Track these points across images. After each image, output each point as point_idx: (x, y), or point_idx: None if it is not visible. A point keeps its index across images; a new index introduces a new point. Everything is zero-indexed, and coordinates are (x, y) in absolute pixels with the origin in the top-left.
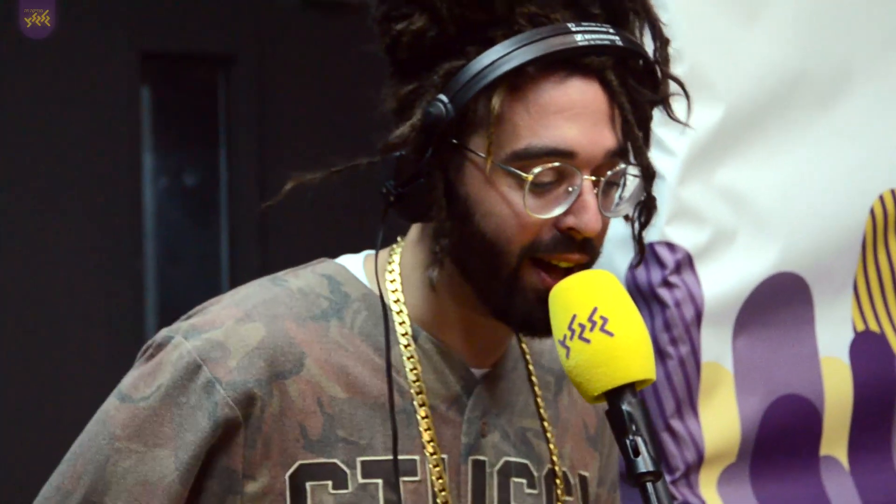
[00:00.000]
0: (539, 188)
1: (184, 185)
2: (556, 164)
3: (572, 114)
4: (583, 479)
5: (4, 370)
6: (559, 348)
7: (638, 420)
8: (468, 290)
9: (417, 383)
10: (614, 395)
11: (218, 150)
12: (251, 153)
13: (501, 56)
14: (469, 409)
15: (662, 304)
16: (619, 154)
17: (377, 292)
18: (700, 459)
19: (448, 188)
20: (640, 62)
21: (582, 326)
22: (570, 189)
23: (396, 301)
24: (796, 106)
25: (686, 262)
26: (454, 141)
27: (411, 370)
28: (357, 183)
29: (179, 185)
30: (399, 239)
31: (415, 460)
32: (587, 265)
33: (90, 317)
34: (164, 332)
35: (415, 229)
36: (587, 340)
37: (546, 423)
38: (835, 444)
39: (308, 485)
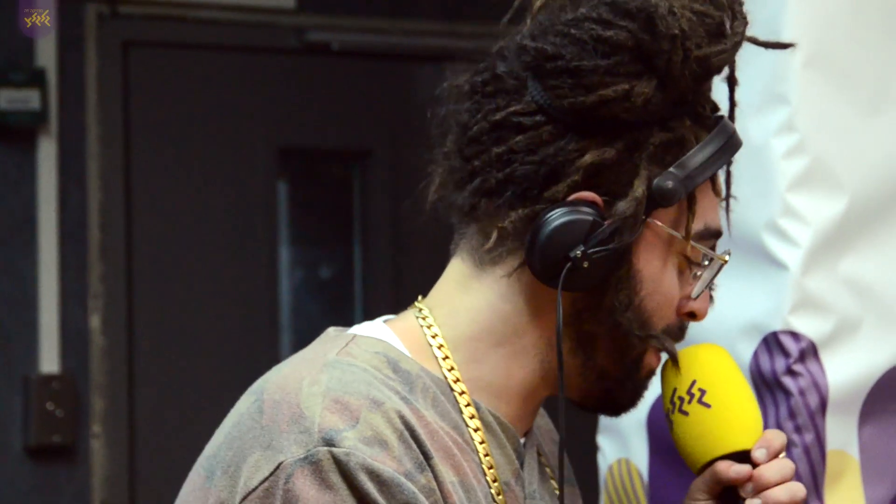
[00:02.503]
0: (697, 273)
1: (319, 277)
2: (713, 251)
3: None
4: None
5: (154, 457)
6: (667, 422)
7: None
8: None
9: (488, 458)
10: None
11: (352, 243)
12: (385, 246)
13: (721, 147)
14: (527, 483)
15: (787, 393)
16: None
17: (425, 366)
18: None
19: (627, 261)
20: None
21: (681, 399)
22: (711, 274)
23: (453, 374)
24: None
25: (810, 351)
26: (646, 218)
27: (480, 443)
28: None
29: (315, 277)
30: (416, 304)
31: None
32: None
33: (229, 404)
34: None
35: (455, 290)
36: (686, 413)
37: (551, 478)
38: None
39: None
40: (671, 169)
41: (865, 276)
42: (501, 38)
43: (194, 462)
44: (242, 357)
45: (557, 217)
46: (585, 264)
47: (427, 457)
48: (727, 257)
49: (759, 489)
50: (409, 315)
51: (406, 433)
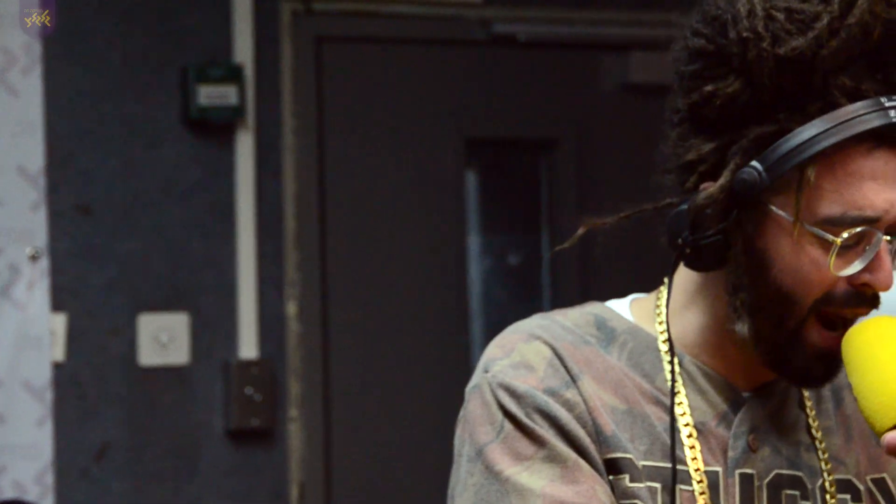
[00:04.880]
0: (843, 248)
1: (507, 264)
2: (861, 228)
3: (879, 182)
4: (880, 482)
5: (349, 440)
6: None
7: None
8: (749, 336)
9: (681, 405)
10: None
11: (540, 231)
12: (572, 233)
13: (821, 132)
14: (736, 426)
15: None
16: None
17: (642, 326)
18: None
19: (747, 242)
20: None
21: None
22: (867, 248)
23: (662, 332)
24: None
25: None
26: (758, 201)
27: (677, 400)
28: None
29: (503, 265)
30: (662, 287)
31: (686, 472)
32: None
33: (421, 388)
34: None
35: (685, 276)
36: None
37: (817, 435)
38: None
39: (609, 478)
40: (754, 161)
41: None
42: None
43: (388, 444)
44: (433, 342)
45: (673, 210)
46: (688, 250)
47: (574, 378)
48: (840, 239)
49: None
50: (652, 294)
51: (555, 359)
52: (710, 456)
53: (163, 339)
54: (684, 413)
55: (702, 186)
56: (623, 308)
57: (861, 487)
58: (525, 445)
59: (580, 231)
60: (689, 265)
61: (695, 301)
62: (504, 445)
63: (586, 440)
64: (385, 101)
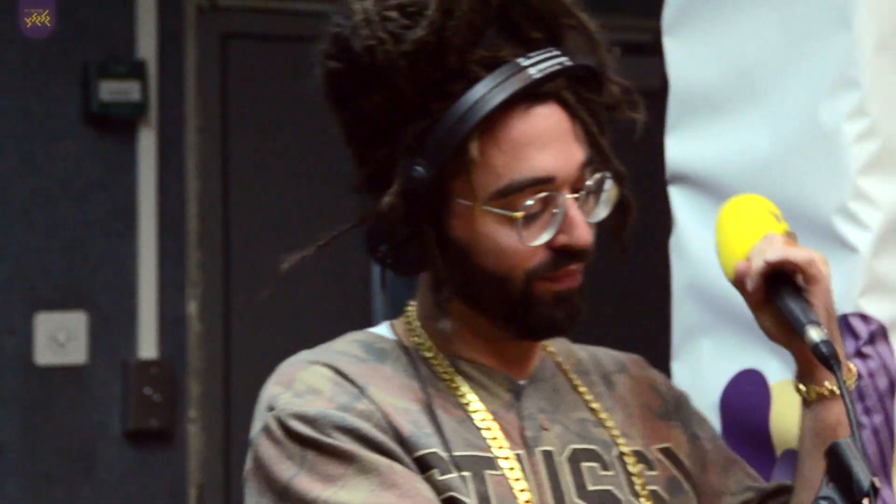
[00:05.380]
0: (528, 219)
1: None
2: (541, 194)
3: (542, 141)
4: (667, 451)
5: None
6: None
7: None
8: (485, 320)
9: (465, 396)
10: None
11: None
12: None
13: (469, 108)
14: (524, 409)
15: (856, 375)
16: (589, 163)
17: (406, 343)
18: None
19: (441, 236)
20: (589, 74)
21: None
22: (556, 210)
23: (423, 344)
24: None
25: (880, 334)
26: (438, 194)
27: (456, 388)
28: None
29: None
30: (409, 305)
31: (492, 457)
32: (583, 270)
33: None
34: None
35: (422, 280)
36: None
37: (598, 411)
38: None
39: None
40: (419, 157)
41: None
42: None
43: None
44: None
45: (367, 228)
46: (391, 260)
47: (362, 389)
48: (519, 213)
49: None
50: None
51: (337, 377)
52: (509, 440)
53: (60, 338)
54: (471, 402)
55: (382, 197)
56: (382, 329)
57: (651, 457)
58: (333, 466)
59: (283, 270)
60: (399, 274)
61: (427, 311)
62: (311, 473)
63: (392, 444)
64: (291, 100)
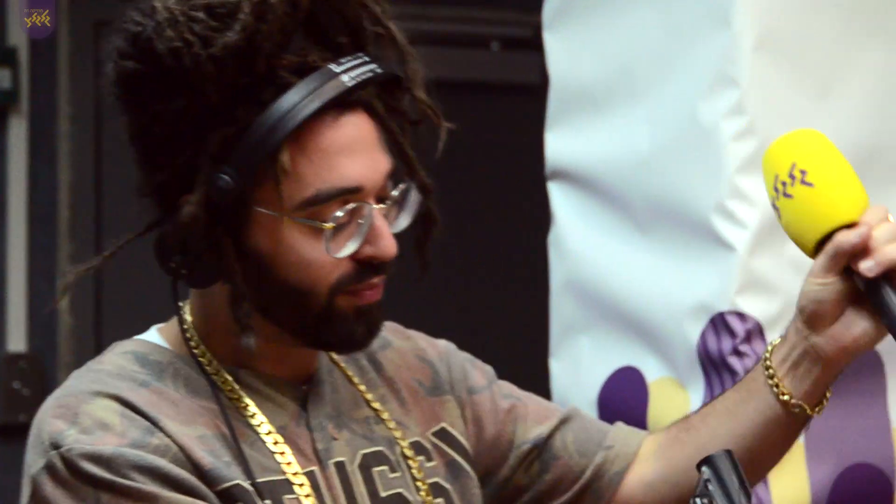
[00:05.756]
0: (336, 229)
1: None
2: (349, 205)
3: (351, 150)
4: (442, 432)
5: None
6: (774, 210)
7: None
8: (275, 328)
9: (255, 416)
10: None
11: None
12: None
13: (281, 117)
14: (312, 419)
15: (732, 372)
16: (395, 173)
17: (182, 353)
18: None
19: (239, 248)
20: (397, 83)
21: (784, 184)
22: (361, 221)
23: (203, 355)
24: (869, 180)
25: (756, 332)
26: (240, 204)
27: (244, 407)
28: None
29: None
30: (181, 304)
31: (286, 479)
32: (385, 282)
33: None
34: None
35: (204, 293)
36: (790, 196)
37: (374, 403)
38: None
39: None
40: (224, 165)
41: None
42: None
43: None
44: None
45: (158, 236)
46: (185, 271)
47: (154, 422)
48: (328, 225)
49: (873, 250)
50: (175, 318)
51: (126, 410)
52: (302, 457)
53: None
54: (261, 423)
55: (182, 203)
56: (154, 337)
57: (428, 446)
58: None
59: (69, 280)
60: (192, 285)
61: (219, 318)
62: None
63: (193, 480)
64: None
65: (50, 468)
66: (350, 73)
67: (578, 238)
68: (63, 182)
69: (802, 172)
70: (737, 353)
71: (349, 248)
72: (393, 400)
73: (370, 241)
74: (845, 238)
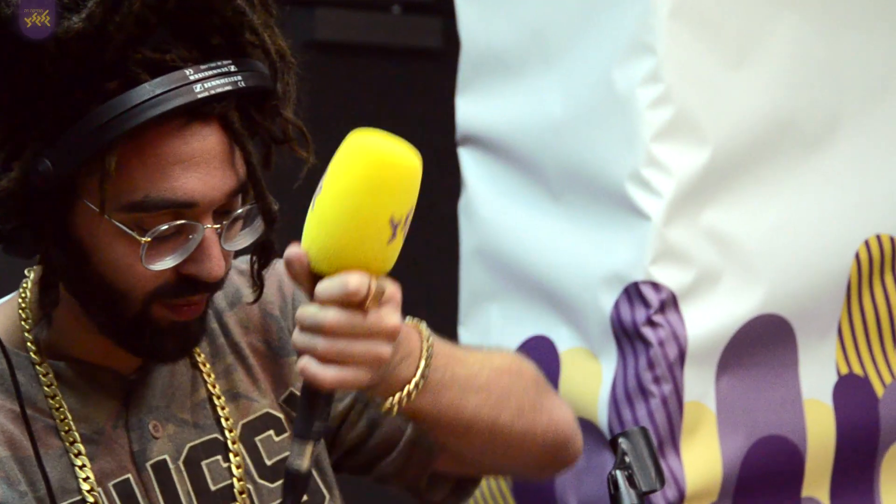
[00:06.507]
0: (157, 240)
1: None
2: (178, 221)
3: (191, 163)
4: (291, 398)
5: None
6: None
7: None
8: (94, 324)
9: (66, 421)
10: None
11: None
12: None
13: (118, 115)
14: (131, 417)
15: (646, 343)
16: (241, 190)
17: (13, 341)
18: (681, 498)
19: (59, 232)
20: (264, 98)
21: (321, 188)
22: (191, 237)
23: (32, 341)
24: (784, 150)
25: (670, 302)
26: (64, 189)
27: (57, 409)
28: None
29: None
30: (27, 272)
31: (82, 500)
32: (209, 299)
33: None
34: None
35: (37, 271)
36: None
37: (217, 386)
38: (817, 485)
39: None
40: (49, 149)
41: (727, 228)
42: None
43: None
44: None
45: None
46: None
47: None
48: (145, 238)
49: (303, 322)
50: (24, 284)
51: None
52: (115, 464)
53: None
54: (69, 430)
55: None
56: None
57: (281, 415)
58: None
59: None
60: (8, 252)
61: (41, 310)
62: None
63: None
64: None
65: None
66: (206, 82)
67: (489, 204)
68: None
69: (320, 188)
70: (651, 323)
71: (167, 262)
72: (240, 368)
73: (196, 259)
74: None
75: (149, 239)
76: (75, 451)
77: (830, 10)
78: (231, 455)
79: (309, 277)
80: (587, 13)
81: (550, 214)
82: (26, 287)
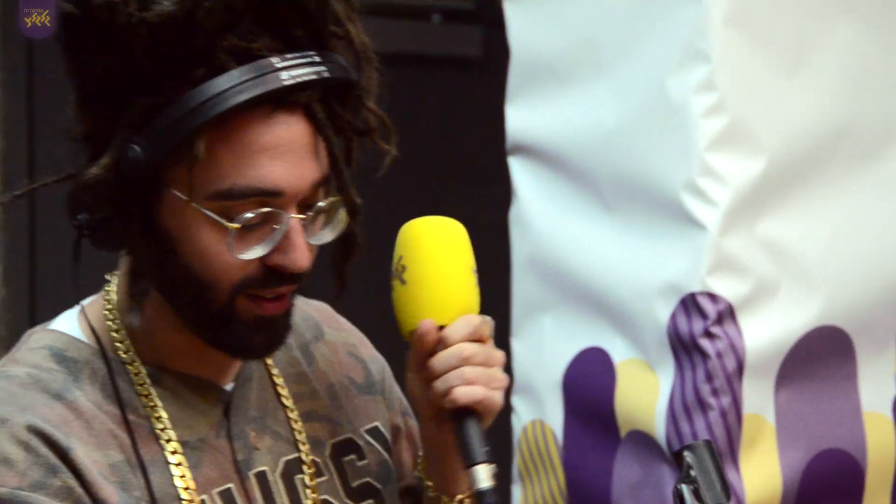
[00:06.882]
0: (244, 229)
1: None
2: (264, 208)
3: (277, 151)
4: (375, 431)
5: None
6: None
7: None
8: (180, 320)
9: (166, 431)
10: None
11: None
12: None
13: (206, 100)
14: (233, 427)
15: (704, 355)
16: (325, 183)
17: (104, 343)
18: None
19: (147, 222)
20: (348, 90)
21: (395, 270)
22: (276, 227)
23: (127, 351)
24: (840, 158)
25: (728, 314)
26: (153, 178)
27: (157, 417)
28: None
29: None
30: (108, 277)
31: (202, 501)
32: (296, 292)
33: None
34: None
35: (125, 263)
36: (402, 282)
37: (289, 404)
38: (877, 499)
39: None
40: (140, 136)
41: (783, 238)
42: None
43: None
44: None
45: (70, 189)
46: (88, 231)
47: (63, 453)
48: (234, 225)
49: (442, 364)
50: (105, 289)
51: (35, 440)
52: (219, 472)
53: None
54: (169, 440)
55: (92, 164)
56: (73, 326)
57: (361, 443)
58: None
59: None
60: (95, 246)
61: (144, 310)
62: None
63: None
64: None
65: None
66: (292, 70)
67: (541, 215)
68: None
69: (403, 268)
70: (708, 334)
71: (255, 251)
72: (325, 395)
73: (282, 249)
74: (414, 345)
75: (237, 226)
76: (175, 458)
77: (887, 16)
78: (313, 474)
79: (437, 335)
80: (639, 21)
81: (604, 224)
82: (109, 290)
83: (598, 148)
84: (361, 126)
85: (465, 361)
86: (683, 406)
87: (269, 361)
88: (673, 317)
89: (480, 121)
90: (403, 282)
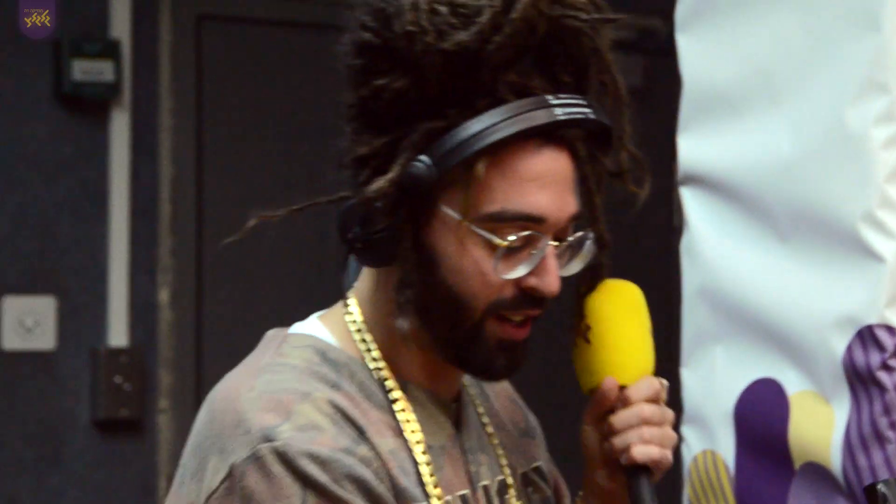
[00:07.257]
0: (508, 251)
1: None
2: (527, 231)
3: (545, 182)
4: (539, 470)
5: None
6: None
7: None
8: (427, 336)
9: (416, 433)
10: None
11: None
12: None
13: (488, 127)
14: (466, 440)
15: (881, 388)
16: (578, 218)
17: (352, 354)
18: None
19: (415, 236)
20: (606, 134)
21: (581, 329)
22: (534, 252)
23: (376, 359)
24: None
25: None
26: (428, 197)
27: (407, 421)
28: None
29: None
30: (349, 294)
31: (448, 501)
32: (539, 316)
33: None
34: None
35: (368, 279)
36: (585, 341)
37: (491, 432)
38: None
39: None
40: (423, 155)
41: None
42: None
43: None
44: None
45: (345, 207)
46: (359, 245)
47: (361, 431)
48: (505, 242)
49: (614, 431)
50: (337, 308)
51: (337, 414)
52: (456, 478)
53: (28, 322)
54: (419, 441)
55: (374, 180)
56: (321, 331)
57: (533, 478)
58: None
59: (251, 223)
60: (361, 261)
61: (383, 313)
62: None
63: (389, 497)
64: (266, 83)
65: (257, 459)
66: (565, 108)
67: (714, 245)
68: (164, 176)
69: (587, 327)
70: (886, 367)
71: (518, 271)
72: (506, 429)
73: (537, 273)
74: (595, 401)
75: (506, 244)
76: (424, 458)
77: None
78: (516, 497)
79: (618, 394)
80: (815, 51)
81: (778, 255)
82: (348, 306)
83: (773, 178)
84: (614, 167)
85: (644, 421)
86: (860, 439)
87: (472, 392)
88: (849, 349)
89: (644, 150)
90: (587, 341)
